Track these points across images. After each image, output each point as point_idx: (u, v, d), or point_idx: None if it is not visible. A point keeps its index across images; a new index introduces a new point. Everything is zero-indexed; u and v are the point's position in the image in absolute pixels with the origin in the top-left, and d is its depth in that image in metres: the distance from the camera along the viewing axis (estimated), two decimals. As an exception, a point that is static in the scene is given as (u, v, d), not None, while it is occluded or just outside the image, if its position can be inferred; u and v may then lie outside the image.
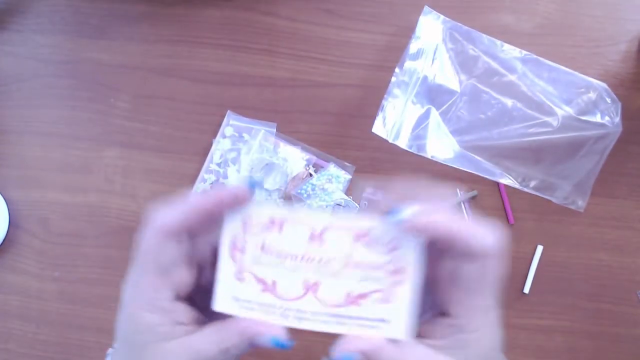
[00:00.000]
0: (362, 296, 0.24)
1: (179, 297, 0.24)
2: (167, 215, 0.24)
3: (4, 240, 0.46)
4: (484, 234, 0.22)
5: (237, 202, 0.24)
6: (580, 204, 0.44)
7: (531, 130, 0.44)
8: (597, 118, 0.44)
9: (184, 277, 0.24)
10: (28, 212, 0.47)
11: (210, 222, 0.24)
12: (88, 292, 0.46)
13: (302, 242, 0.25)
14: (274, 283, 0.25)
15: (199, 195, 0.25)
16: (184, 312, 0.24)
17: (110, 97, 0.47)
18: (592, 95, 0.44)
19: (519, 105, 0.44)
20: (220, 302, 0.25)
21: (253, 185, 0.25)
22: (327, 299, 0.24)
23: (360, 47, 0.47)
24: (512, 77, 0.44)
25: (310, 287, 0.24)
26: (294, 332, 0.24)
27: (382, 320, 0.24)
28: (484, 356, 0.24)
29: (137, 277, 0.24)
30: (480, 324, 0.23)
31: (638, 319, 0.43)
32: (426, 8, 0.45)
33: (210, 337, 0.23)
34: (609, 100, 0.44)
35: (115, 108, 0.47)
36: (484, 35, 0.45)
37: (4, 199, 0.47)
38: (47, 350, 0.46)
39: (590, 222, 0.44)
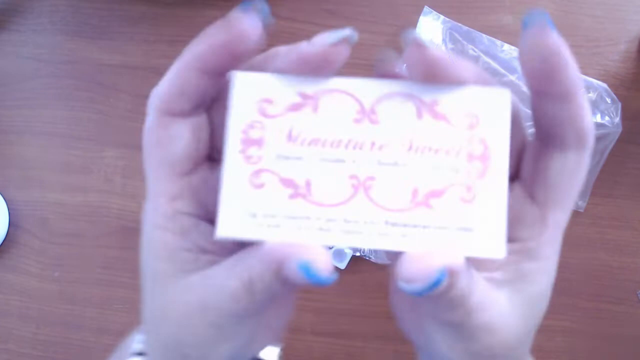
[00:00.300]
0: (436, 193, 0.17)
1: (204, 215, 0.18)
2: (164, 88, 0.18)
3: (4, 240, 0.46)
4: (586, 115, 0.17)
5: (243, 45, 0.17)
6: (580, 204, 0.44)
7: (531, 130, 0.44)
8: (597, 118, 0.44)
9: (208, 179, 0.18)
10: (28, 212, 0.47)
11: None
12: (88, 293, 0.46)
13: (347, 123, 0.17)
14: (308, 184, 0.17)
15: (192, 49, 0.19)
16: (210, 235, 0.18)
17: (111, 97, 0.47)
18: (592, 95, 0.44)
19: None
20: (227, 222, 0.17)
21: (262, 11, 0.17)
22: (386, 200, 0.17)
23: (361, 47, 0.47)
24: (512, 77, 0.44)
25: (361, 185, 0.17)
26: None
27: (466, 229, 0.17)
28: (537, 300, 0.19)
29: (149, 186, 0.19)
30: (550, 252, 0.19)
31: (638, 319, 0.43)
32: (426, 8, 0.45)
33: (231, 267, 0.17)
34: (609, 100, 0.44)
35: (115, 108, 0.47)
36: (484, 36, 0.45)
37: (4, 199, 0.46)
38: (47, 351, 0.46)
39: (590, 222, 0.44)
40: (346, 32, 0.17)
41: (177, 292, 0.18)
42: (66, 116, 0.48)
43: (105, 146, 0.47)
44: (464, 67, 0.18)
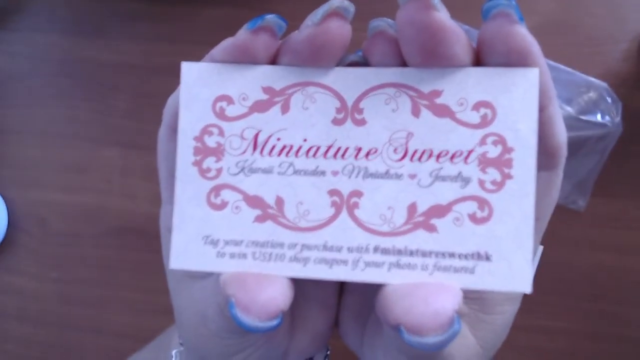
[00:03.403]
0: (439, 211, 0.13)
1: None
2: (174, 104, 0.17)
3: (2, 240, 0.46)
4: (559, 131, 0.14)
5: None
6: (581, 203, 0.44)
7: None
8: (598, 118, 0.43)
9: None
10: (26, 212, 0.47)
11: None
12: (86, 293, 0.45)
13: (325, 124, 0.14)
14: (279, 202, 0.14)
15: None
16: None
17: (109, 97, 0.47)
18: (593, 94, 0.44)
19: (519, 104, 0.44)
20: (182, 251, 0.14)
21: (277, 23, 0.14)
22: (376, 221, 0.14)
23: (358, 42, 0.46)
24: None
25: (345, 203, 0.14)
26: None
27: (480, 256, 0.13)
28: (500, 331, 0.16)
29: (162, 192, 0.18)
30: None
31: None
32: (426, 7, 0.45)
33: (211, 285, 0.15)
34: (609, 99, 0.43)
35: (113, 107, 0.47)
36: (485, 35, 0.45)
37: (2, 199, 0.46)
38: (45, 352, 0.45)
39: (591, 222, 0.44)
40: (335, 2, 0.14)
41: (186, 299, 0.17)
42: (64, 115, 0.47)
43: (104, 146, 0.47)
44: (467, 43, 0.14)
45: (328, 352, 0.20)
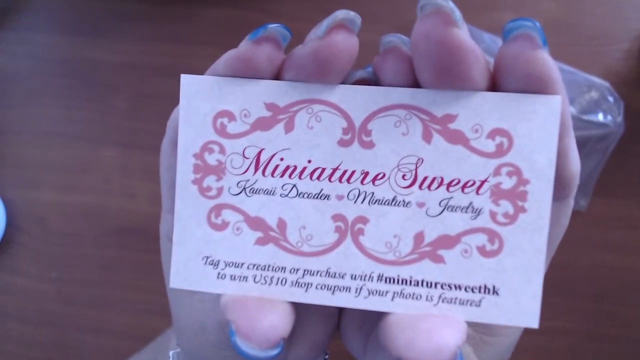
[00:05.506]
0: (447, 241, 0.13)
1: None
2: (177, 118, 0.16)
3: (1, 240, 0.46)
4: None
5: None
6: (583, 203, 0.44)
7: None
8: (600, 117, 0.43)
9: None
10: (26, 212, 0.47)
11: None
12: (86, 293, 0.45)
13: (331, 146, 0.13)
14: (281, 225, 0.14)
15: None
16: None
17: (109, 96, 0.47)
18: (595, 94, 0.44)
19: (520, 104, 0.43)
20: (182, 271, 0.14)
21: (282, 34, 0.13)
22: (381, 248, 0.13)
23: (361, 46, 0.46)
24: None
25: (349, 228, 0.13)
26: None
27: (488, 290, 0.13)
28: (505, 351, 0.16)
29: (163, 201, 0.18)
30: None
31: (641, 319, 0.43)
32: (427, 6, 0.45)
33: (211, 299, 0.15)
34: (611, 99, 0.43)
35: (113, 107, 0.47)
36: (485, 34, 0.45)
37: (1, 199, 0.46)
38: (45, 352, 0.45)
39: (592, 222, 0.44)
40: (340, 14, 0.13)
41: (185, 308, 0.16)
42: (64, 115, 0.47)
43: (104, 146, 0.47)
44: (484, 66, 0.13)
45: (327, 357, 0.19)
